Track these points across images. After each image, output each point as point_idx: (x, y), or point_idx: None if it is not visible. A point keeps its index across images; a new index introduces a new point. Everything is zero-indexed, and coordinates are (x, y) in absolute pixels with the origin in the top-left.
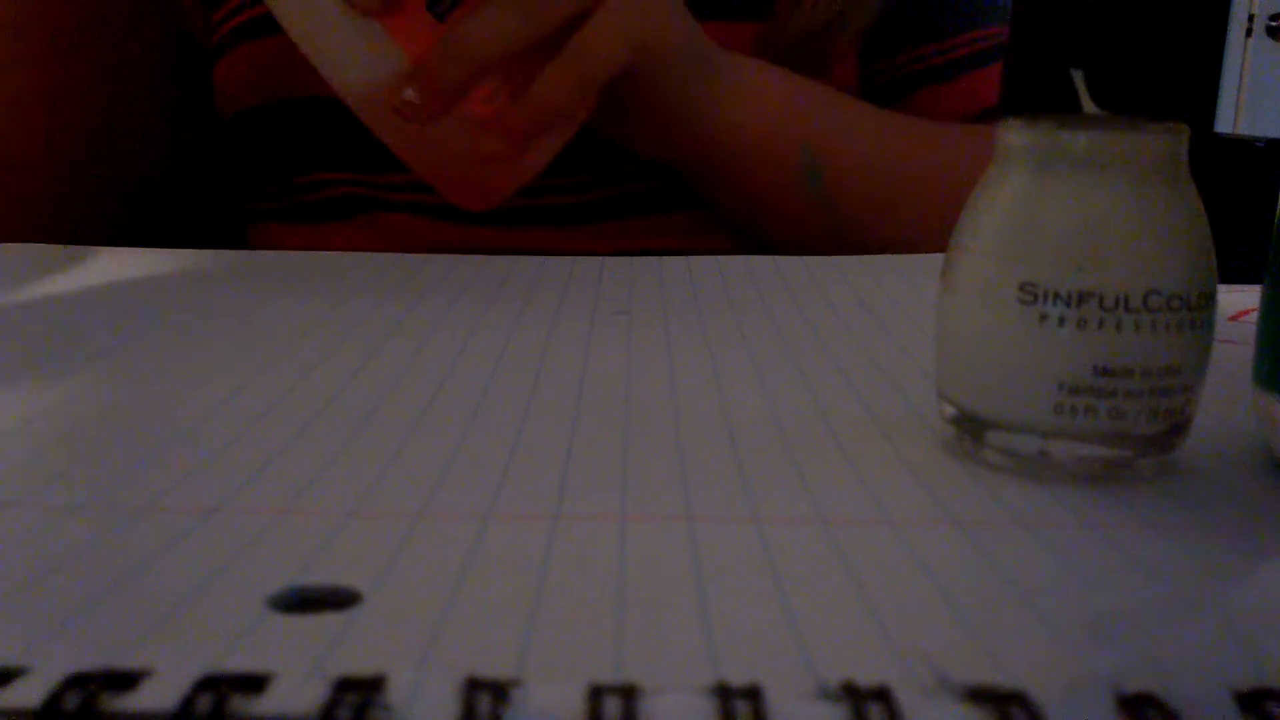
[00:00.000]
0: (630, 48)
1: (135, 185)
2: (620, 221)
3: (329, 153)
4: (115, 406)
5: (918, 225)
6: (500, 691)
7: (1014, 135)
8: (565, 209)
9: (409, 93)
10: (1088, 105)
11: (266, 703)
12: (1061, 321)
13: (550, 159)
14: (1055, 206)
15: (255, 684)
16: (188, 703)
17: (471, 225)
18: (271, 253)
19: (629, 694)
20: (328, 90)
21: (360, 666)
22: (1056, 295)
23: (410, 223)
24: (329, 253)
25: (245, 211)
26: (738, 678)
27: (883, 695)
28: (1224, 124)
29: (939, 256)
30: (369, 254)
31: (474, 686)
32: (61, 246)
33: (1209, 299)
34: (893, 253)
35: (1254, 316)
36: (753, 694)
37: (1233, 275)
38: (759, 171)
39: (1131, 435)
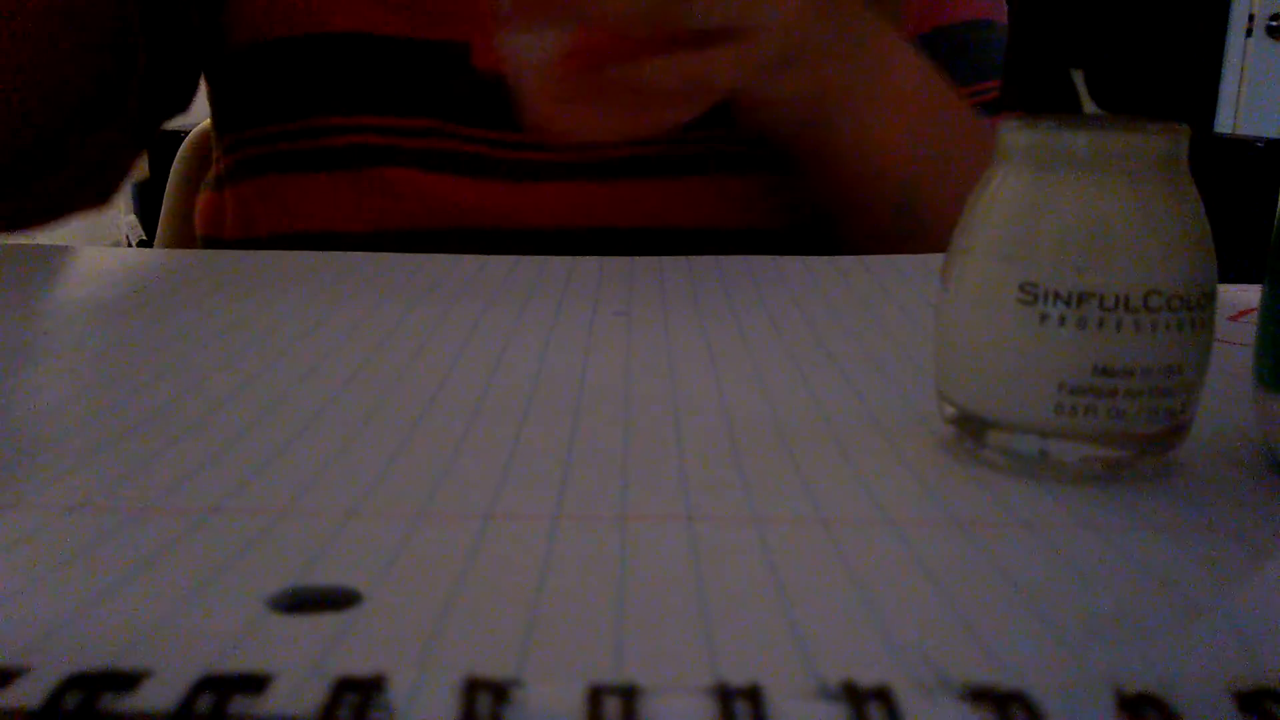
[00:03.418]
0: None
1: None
2: (632, 181)
3: (347, 94)
4: (114, 406)
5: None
6: (500, 691)
7: (1014, 135)
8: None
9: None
10: (1088, 105)
11: (266, 703)
12: (1061, 321)
13: (666, 127)
14: (1055, 206)
15: (255, 684)
16: (188, 703)
17: (478, 180)
18: (271, 253)
19: (629, 694)
20: (355, 25)
21: (360, 666)
22: (1056, 295)
23: (418, 179)
24: (329, 253)
25: (233, 156)
26: (738, 678)
27: (883, 695)
28: (1224, 124)
29: (939, 256)
30: (368, 254)
31: (474, 686)
32: (61, 247)
33: (1209, 299)
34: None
35: (1254, 316)
36: (753, 694)
37: (1233, 275)
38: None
39: (1131, 435)
